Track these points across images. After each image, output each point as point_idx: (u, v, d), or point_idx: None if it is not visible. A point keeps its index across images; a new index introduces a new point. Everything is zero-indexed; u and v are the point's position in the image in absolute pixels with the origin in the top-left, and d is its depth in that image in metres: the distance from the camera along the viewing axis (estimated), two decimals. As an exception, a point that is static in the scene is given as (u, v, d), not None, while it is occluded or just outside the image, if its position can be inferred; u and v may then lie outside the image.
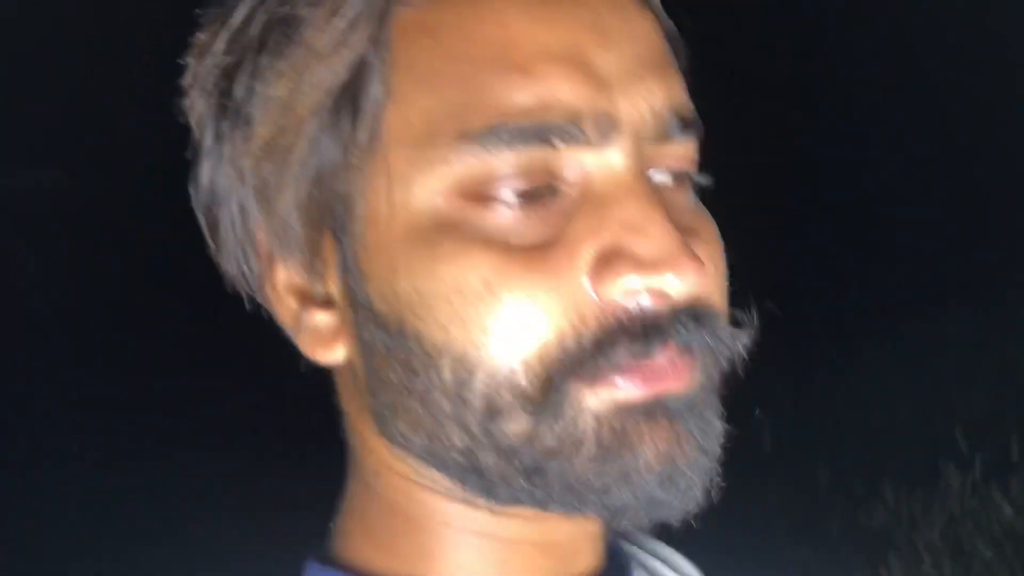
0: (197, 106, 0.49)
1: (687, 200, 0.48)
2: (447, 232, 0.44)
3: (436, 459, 0.47)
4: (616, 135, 0.44)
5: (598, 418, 0.44)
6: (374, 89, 0.45)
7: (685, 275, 0.43)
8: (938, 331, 3.90)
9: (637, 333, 0.44)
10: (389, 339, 0.45)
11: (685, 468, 0.44)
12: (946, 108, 4.81)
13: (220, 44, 0.48)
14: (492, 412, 0.44)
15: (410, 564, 0.50)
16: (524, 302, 0.43)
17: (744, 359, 0.48)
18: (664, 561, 0.60)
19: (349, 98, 0.45)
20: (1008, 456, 2.82)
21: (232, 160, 0.48)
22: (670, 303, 0.44)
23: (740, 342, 0.47)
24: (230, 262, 0.50)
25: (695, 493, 0.45)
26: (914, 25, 4.74)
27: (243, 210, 0.48)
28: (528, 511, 0.47)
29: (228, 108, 0.48)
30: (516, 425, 0.44)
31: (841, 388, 3.68)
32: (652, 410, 0.44)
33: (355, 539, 0.52)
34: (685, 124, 0.47)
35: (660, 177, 0.47)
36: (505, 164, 0.43)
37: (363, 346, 0.47)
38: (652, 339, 0.44)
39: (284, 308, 0.49)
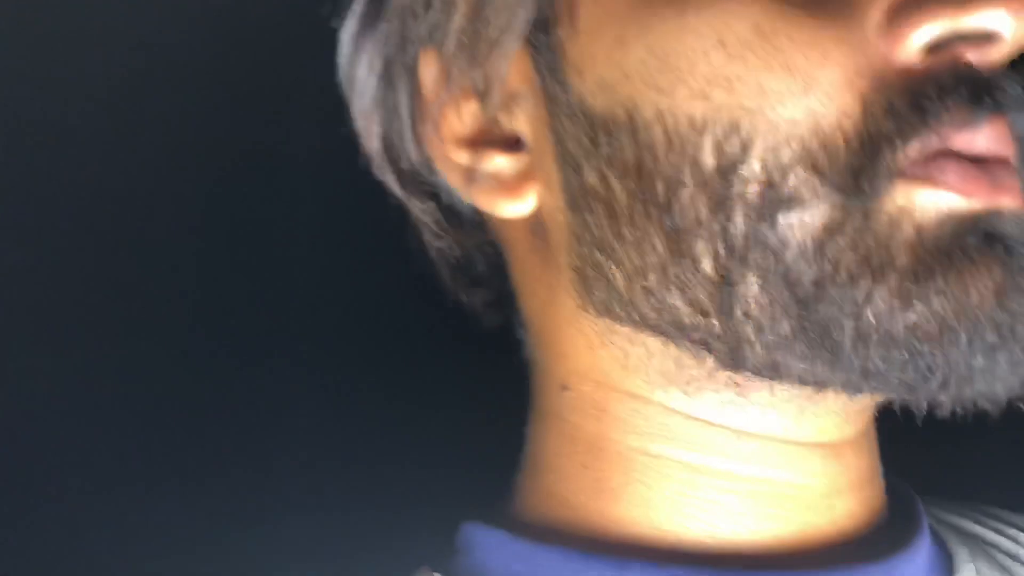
0: None
1: None
2: None
3: (666, 311, 0.35)
4: None
5: (920, 229, 0.31)
6: None
7: (1021, 11, 0.30)
8: None
9: (960, 91, 0.31)
10: (614, 139, 0.35)
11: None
12: None
13: None
14: (772, 201, 0.32)
15: (593, 510, 0.39)
16: (809, 50, 0.32)
17: None
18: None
19: None
20: None
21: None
22: (993, 58, 0.32)
23: None
24: (374, 134, 0.44)
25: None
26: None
27: (403, 58, 0.42)
28: (777, 395, 0.36)
29: None
30: (808, 216, 0.32)
31: None
32: (990, 234, 0.31)
33: (528, 487, 0.41)
34: None
35: None
36: None
37: (568, 173, 0.37)
38: (981, 98, 0.31)
39: (453, 164, 0.41)
